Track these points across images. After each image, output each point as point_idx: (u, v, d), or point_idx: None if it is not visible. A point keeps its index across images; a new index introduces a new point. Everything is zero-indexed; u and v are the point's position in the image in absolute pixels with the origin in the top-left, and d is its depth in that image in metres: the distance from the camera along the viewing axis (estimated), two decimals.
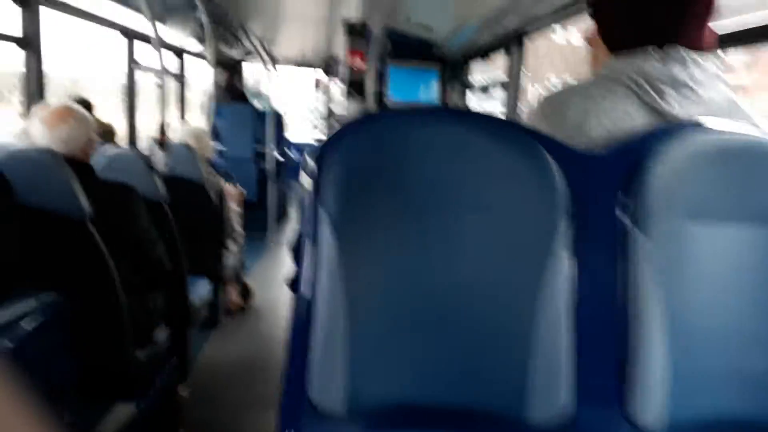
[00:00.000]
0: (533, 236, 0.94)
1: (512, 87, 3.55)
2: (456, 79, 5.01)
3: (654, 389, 0.93)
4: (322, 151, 0.96)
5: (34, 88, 2.72)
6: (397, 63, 5.18)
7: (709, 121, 1.02)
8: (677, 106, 1.03)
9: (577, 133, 1.08)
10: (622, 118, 1.06)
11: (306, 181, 0.98)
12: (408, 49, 5.00)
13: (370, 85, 4.23)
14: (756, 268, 0.96)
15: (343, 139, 0.96)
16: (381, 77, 5.20)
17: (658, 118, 1.05)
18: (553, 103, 1.15)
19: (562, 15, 2.87)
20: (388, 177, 0.94)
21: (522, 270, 0.94)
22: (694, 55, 1.04)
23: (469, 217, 0.94)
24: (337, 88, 7.54)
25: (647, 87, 1.05)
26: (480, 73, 4.88)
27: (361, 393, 0.92)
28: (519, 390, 0.93)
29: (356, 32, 1.14)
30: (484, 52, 4.26)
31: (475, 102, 4.92)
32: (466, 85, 4.92)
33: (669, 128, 1.00)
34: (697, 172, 0.95)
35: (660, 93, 1.04)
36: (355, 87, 1.19)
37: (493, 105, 4.35)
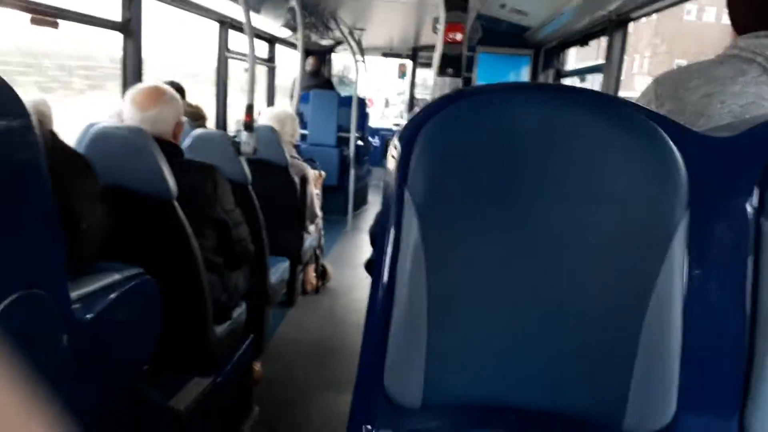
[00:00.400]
0: (649, 229, 0.84)
1: (612, 75, 3.34)
2: (550, 66, 4.81)
3: None
4: (407, 132, 0.90)
5: (133, 74, 2.87)
6: (488, 49, 5.05)
7: None
8: None
9: (698, 118, 0.99)
10: (753, 101, 0.95)
11: (391, 163, 0.93)
12: (499, 35, 4.85)
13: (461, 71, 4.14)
14: None
15: (428, 120, 0.89)
16: (470, 63, 5.09)
17: None
18: (670, 84, 1.04)
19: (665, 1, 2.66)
20: (480, 160, 0.86)
21: (633, 266, 0.85)
22: None
23: (572, 207, 0.86)
24: (424, 75, 7.48)
25: None
26: (579, 60, 4.64)
27: (439, 389, 0.88)
28: (619, 396, 0.85)
29: (455, 5, 1.10)
30: (583, 38, 4.04)
31: None
32: (561, 73, 4.70)
33: None
34: None
35: None
36: (452, 63, 1.13)
37: None
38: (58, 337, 1.01)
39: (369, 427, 0.89)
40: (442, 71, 1.21)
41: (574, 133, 0.86)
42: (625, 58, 3.40)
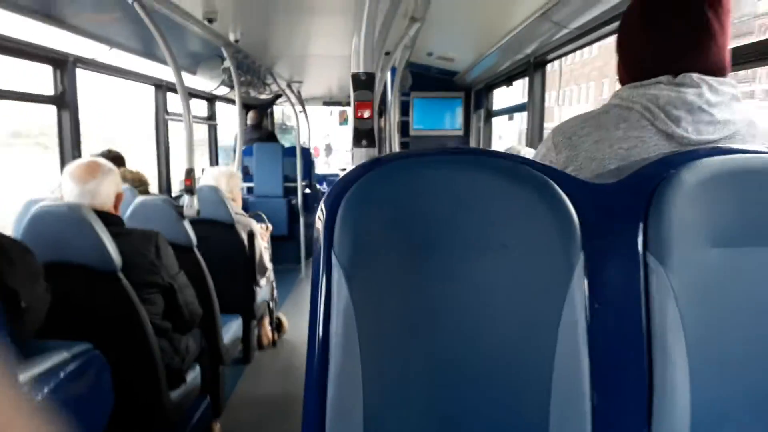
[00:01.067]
0: (550, 272, 0.94)
1: (535, 111, 3.57)
2: (480, 107, 5.06)
3: (678, 417, 0.92)
4: (330, 199, 0.98)
5: (71, 145, 2.88)
6: (421, 94, 5.27)
7: (726, 145, 1.02)
8: (692, 131, 1.04)
9: (590, 162, 1.10)
10: (636, 145, 1.06)
11: (318, 224, 1.00)
12: (430, 80, 5.09)
13: (394, 116, 4.31)
14: None
15: (351, 185, 0.97)
16: (406, 108, 5.30)
17: (674, 144, 1.05)
18: (565, 133, 1.15)
19: (578, 42, 2.89)
20: (399, 220, 0.95)
21: (539, 307, 0.94)
22: (710, 79, 1.04)
23: (486, 255, 0.95)
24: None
25: (660, 113, 1.05)
26: (504, 99, 4.91)
27: None
28: (541, 424, 0.93)
29: (362, 85, 1.20)
30: (507, 80, 4.29)
31: (499, 128, 4.94)
32: (491, 112, 4.95)
33: (683, 154, 0.99)
34: (716, 198, 0.94)
35: (674, 119, 1.04)
36: (365, 136, 1.24)
37: (516, 130, 4.37)
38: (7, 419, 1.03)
39: None
40: (357, 143, 1.32)
41: (478, 192, 0.96)
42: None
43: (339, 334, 0.93)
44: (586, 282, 0.94)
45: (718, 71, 1.07)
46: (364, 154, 1.29)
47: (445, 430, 0.96)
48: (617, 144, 1.08)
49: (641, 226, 0.94)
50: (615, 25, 2.33)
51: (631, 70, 1.15)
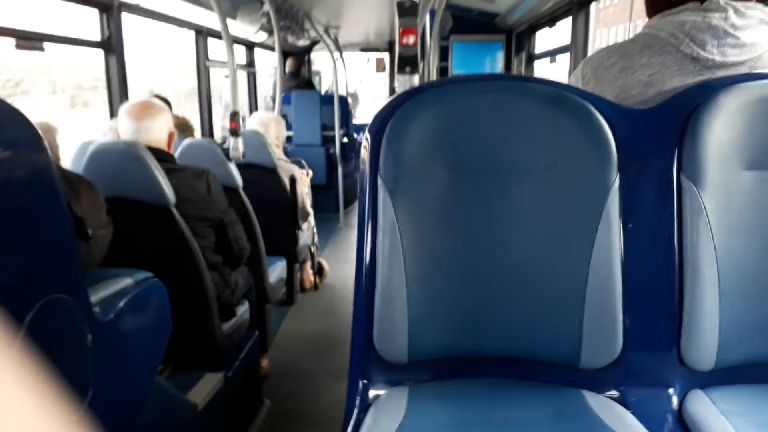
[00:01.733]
0: (587, 192, 0.98)
1: (578, 54, 3.46)
2: (521, 50, 4.92)
3: (706, 333, 0.96)
4: (375, 126, 1.03)
5: (118, 89, 2.95)
6: (461, 38, 5.15)
7: (753, 66, 1.03)
8: (717, 53, 1.05)
9: (615, 90, 1.12)
10: (658, 71, 1.08)
11: (364, 154, 1.05)
12: (471, 23, 4.96)
13: (433, 61, 4.24)
14: None
15: (395, 111, 1.02)
16: (445, 53, 5.20)
17: (699, 67, 1.07)
18: (593, 65, 1.18)
19: None
20: (441, 143, 1.00)
21: (576, 225, 0.98)
22: (736, 3, 1.05)
23: (524, 176, 1.00)
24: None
25: (684, 38, 1.07)
26: (546, 43, 4.76)
27: (421, 344, 1.00)
28: (573, 337, 0.98)
29: (407, 12, 1.21)
30: (550, 21, 4.16)
31: (541, 72, 4.82)
32: (532, 56, 4.82)
33: (719, 80, 1.01)
34: (753, 122, 0.96)
35: (699, 42, 1.05)
36: (409, 62, 1.26)
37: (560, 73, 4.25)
38: (83, 336, 1.11)
39: (365, 381, 1.01)
40: (401, 70, 1.35)
41: (519, 115, 0.99)
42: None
43: (385, 248, 0.99)
44: (621, 203, 0.97)
45: None
46: (408, 81, 1.31)
47: (483, 337, 1.01)
48: (640, 71, 1.10)
49: (676, 148, 0.98)
50: None
51: (652, 3, 1.17)
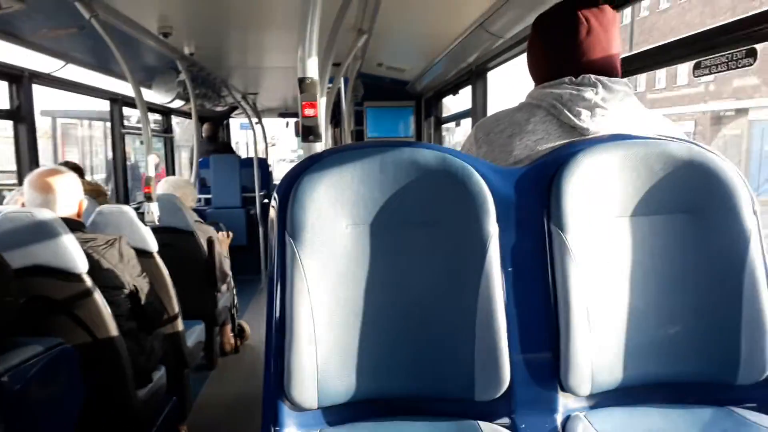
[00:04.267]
0: (471, 242, 1.12)
1: (478, 117, 3.77)
2: (430, 114, 5.26)
3: (581, 362, 1.10)
4: (283, 188, 1.15)
5: (28, 159, 2.92)
6: (374, 104, 5.45)
7: (617, 133, 1.21)
8: (590, 123, 1.23)
9: (504, 153, 1.28)
10: (542, 137, 1.25)
11: (272, 213, 1.15)
12: (383, 89, 5.26)
13: (348, 125, 4.46)
14: (657, 253, 1.15)
15: (301, 174, 1.14)
16: (360, 117, 5.46)
17: (575, 134, 1.24)
18: (484, 130, 1.34)
19: (515, 50, 3.10)
20: (342, 202, 1.12)
21: (463, 272, 1.11)
22: (604, 79, 1.24)
23: (416, 230, 1.14)
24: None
25: (563, 108, 1.25)
26: (453, 107, 5.12)
27: (329, 389, 1.09)
28: (466, 374, 1.10)
29: (308, 88, 1.35)
30: (454, 88, 4.50)
31: (448, 133, 5.16)
32: (440, 120, 5.16)
33: (579, 142, 1.20)
34: (606, 177, 1.14)
35: (575, 113, 1.24)
36: (312, 132, 1.40)
37: (463, 135, 4.58)
38: None
39: (277, 428, 1.08)
40: (305, 138, 1.49)
41: (410, 176, 1.14)
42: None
43: (294, 299, 1.08)
44: (501, 251, 1.13)
45: (612, 73, 1.27)
46: (311, 148, 1.44)
47: (388, 378, 1.12)
48: (527, 137, 1.26)
49: (545, 202, 1.14)
50: None
51: (539, 73, 1.35)
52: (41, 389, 1.36)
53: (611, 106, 1.24)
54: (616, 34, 1.29)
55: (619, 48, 1.30)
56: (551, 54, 1.31)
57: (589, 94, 1.23)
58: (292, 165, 1.26)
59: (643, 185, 1.15)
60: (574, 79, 1.26)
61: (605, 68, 1.26)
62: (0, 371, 1.22)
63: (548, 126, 1.26)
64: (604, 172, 1.14)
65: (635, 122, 1.25)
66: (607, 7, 1.28)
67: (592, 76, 1.24)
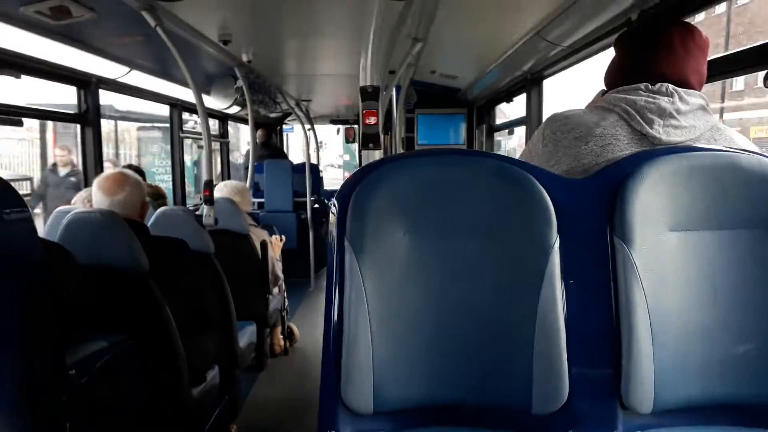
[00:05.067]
0: (531, 252, 1.10)
1: (532, 126, 3.71)
2: (482, 122, 5.22)
3: (643, 378, 1.07)
4: (342, 194, 1.16)
5: (93, 161, 3.05)
6: (425, 111, 5.45)
7: (688, 144, 1.19)
8: (663, 133, 1.21)
9: (568, 156, 1.27)
10: (610, 143, 1.23)
11: (331, 218, 1.17)
12: (435, 97, 5.26)
13: (399, 132, 4.47)
14: (727, 268, 1.10)
15: (360, 181, 1.15)
16: (411, 125, 5.47)
17: (645, 143, 1.22)
18: (552, 127, 1.33)
19: (572, 59, 3.05)
20: (400, 209, 1.13)
21: (522, 283, 1.10)
22: (681, 90, 1.23)
23: (474, 239, 1.12)
24: None
25: (636, 115, 1.23)
26: (507, 114, 5.06)
27: (385, 395, 1.09)
28: (522, 386, 1.08)
29: (369, 96, 1.37)
30: (507, 95, 4.45)
31: (502, 142, 5.10)
32: (493, 127, 5.10)
33: (646, 152, 1.17)
34: (673, 189, 1.11)
35: (648, 121, 1.22)
36: (372, 139, 1.42)
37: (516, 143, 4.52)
38: (58, 397, 1.17)
39: (332, 431, 1.09)
40: (365, 146, 1.51)
41: (468, 185, 1.13)
42: None
43: (351, 304, 1.09)
44: (561, 261, 1.10)
45: (686, 84, 1.25)
46: (371, 156, 1.45)
47: (443, 387, 1.11)
48: (593, 141, 1.25)
49: (609, 213, 1.12)
50: (603, 42, 2.48)
51: (615, 77, 1.34)
52: (106, 383, 1.41)
53: (685, 119, 1.22)
54: (698, 55, 1.28)
55: (701, 69, 1.29)
56: (630, 63, 1.31)
57: (664, 102, 1.21)
58: (339, 169, 1.27)
59: (712, 198, 1.11)
60: (650, 86, 1.24)
61: (682, 83, 1.25)
62: (69, 364, 1.28)
63: (618, 131, 1.24)
64: (672, 184, 1.11)
65: (708, 136, 1.22)
66: (695, 29, 1.28)
67: (669, 85, 1.23)
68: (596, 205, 1.13)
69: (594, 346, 1.10)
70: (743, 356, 1.09)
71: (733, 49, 1.88)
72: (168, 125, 4.38)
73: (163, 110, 4.35)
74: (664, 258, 1.09)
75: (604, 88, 1.38)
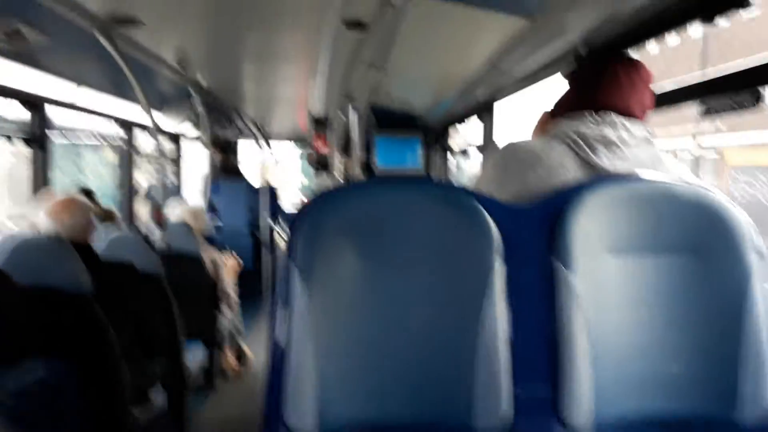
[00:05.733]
0: (475, 276, 1.15)
1: (485, 147, 3.83)
2: (438, 145, 5.33)
3: (582, 396, 1.12)
4: (295, 217, 1.19)
5: (41, 181, 2.99)
6: (383, 133, 5.52)
7: (629, 173, 1.24)
8: (607, 161, 1.26)
9: (519, 184, 1.31)
10: (558, 170, 1.28)
11: (282, 243, 1.20)
12: (393, 121, 5.35)
13: (358, 155, 4.53)
14: (662, 291, 1.17)
15: (313, 207, 1.18)
16: (369, 147, 5.53)
17: (591, 171, 1.27)
18: (507, 156, 1.37)
19: (522, 85, 3.17)
20: (350, 235, 1.16)
21: (466, 304, 1.14)
22: (625, 120, 1.29)
23: (421, 263, 1.16)
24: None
25: (582, 144, 1.28)
26: (460, 136, 5.19)
27: (328, 415, 1.11)
28: (465, 404, 1.12)
29: (319, 123, 1.41)
30: (461, 119, 4.57)
31: (455, 164, 5.22)
32: (447, 150, 5.22)
33: (588, 181, 1.23)
34: (612, 215, 1.17)
35: (593, 149, 1.27)
36: (321, 164, 1.46)
37: (472, 165, 4.64)
38: None
39: None
40: (317, 169, 1.55)
41: (416, 211, 1.17)
42: None
43: (298, 326, 1.12)
44: (506, 284, 1.15)
45: (633, 116, 1.32)
46: (325, 178, 1.50)
47: (388, 406, 1.14)
48: (540, 169, 1.29)
49: (551, 239, 1.17)
50: (550, 70, 2.60)
51: (566, 107, 1.40)
52: (44, 408, 1.39)
53: (628, 149, 1.27)
54: (641, 88, 1.35)
55: (644, 100, 1.35)
56: (578, 94, 1.37)
57: (607, 131, 1.27)
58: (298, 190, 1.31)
59: (649, 225, 1.17)
60: (594, 114, 1.30)
61: (627, 113, 1.31)
62: (5, 394, 1.26)
63: (565, 160, 1.29)
64: (611, 211, 1.17)
65: (650, 165, 1.28)
66: (639, 63, 1.36)
67: (613, 114, 1.29)
68: (539, 231, 1.18)
69: (536, 366, 1.14)
70: (676, 373, 1.15)
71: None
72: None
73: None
74: (603, 281, 1.15)
75: (547, 110, 1.45)
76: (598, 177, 1.24)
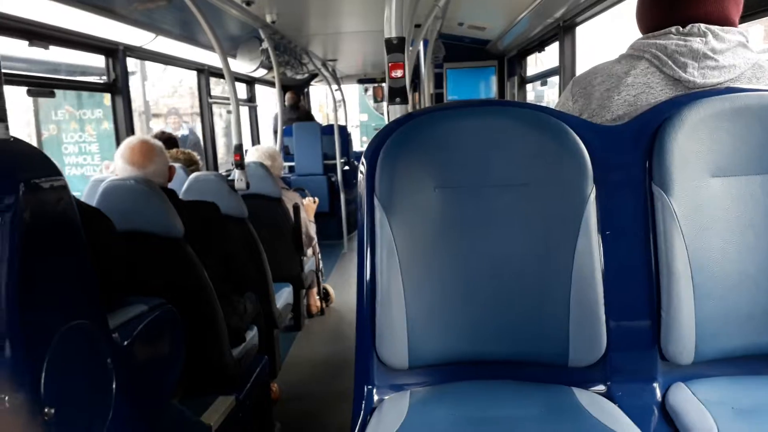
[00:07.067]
0: (566, 204, 1.08)
1: (566, 76, 3.59)
2: (513, 74, 5.07)
3: (684, 329, 1.04)
4: (370, 152, 1.13)
5: (125, 129, 3.08)
6: (454, 65, 5.32)
7: (728, 86, 1.12)
8: (698, 75, 1.14)
9: (601, 109, 1.22)
10: (643, 91, 1.18)
11: (360, 177, 1.15)
12: (463, 50, 5.13)
13: (427, 88, 4.39)
14: None
15: (388, 137, 1.12)
16: (440, 80, 5.35)
17: (680, 88, 1.16)
18: (581, 84, 1.28)
19: (604, 4, 2.91)
20: (430, 164, 1.10)
21: (557, 234, 1.08)
22: (715, 28, 1.15)
23: (508, 192, 1.10)
24: None
25: (668, 60, 1.16)
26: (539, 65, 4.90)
27: (420, 350, 1.09)
28: (561, 340, 1.07)
29: (395, 48, 1.32)
30: (539, 45, 4.30)
31: (533, 94, 4.97)
32: (524, 79, 4.96)
33: (685, 96, 1.11)
34: (714, 133, 1.06)
35: (680, 65, 1.15)
36: (399, 94, 1.38)
37: (552, 94, 4.39)
38: (104, 360, 1.20)
39: (369, 387, 1.10)
40: (392, 101, 1.47)
41: (501, 136, 1.09)
42: None
43: (383, 262, 1.09)
44: (598, 212, 1.07)
45: (725, 21, 1.17)
46: (398, 111, 1.42)
47: (478, 342, 1.10)
48: (625, 91, 1.19)
49: (647, 160, 1.07)
50: None
51: (646, 23, 1.26)
52: (148, 345, 1.45)
53: (722, 58, 1.14)
54: None
55: (738, 3, 1.20)
56: (659, 2, 1.22)
57: (696, 44, 1.14)
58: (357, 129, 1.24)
59: (757, 141, 1.05)
60: (681, 28, 1.16)
61: (718, 18, 1.16)
62: (111, 327, 1.30)
63: (650, 79, 1.17)
64: (713, 127, 1.06)
65: (749, 74, 1.15)
66: None
67: (702, 25, 1.15)
68: (633, 153, 1.08)
69: (632, 297, 1.08)
70: None
71: None
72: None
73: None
74: (705, 204, 1.05)
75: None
76: (697, 91, 1.12)
